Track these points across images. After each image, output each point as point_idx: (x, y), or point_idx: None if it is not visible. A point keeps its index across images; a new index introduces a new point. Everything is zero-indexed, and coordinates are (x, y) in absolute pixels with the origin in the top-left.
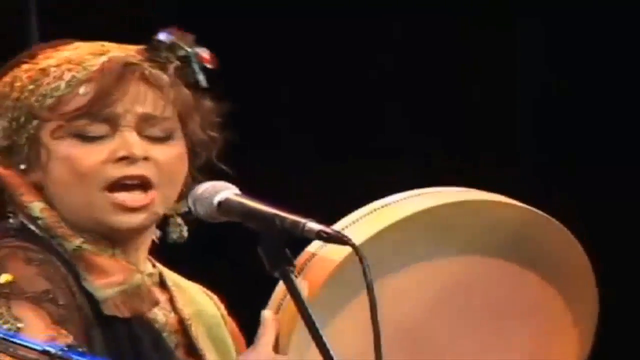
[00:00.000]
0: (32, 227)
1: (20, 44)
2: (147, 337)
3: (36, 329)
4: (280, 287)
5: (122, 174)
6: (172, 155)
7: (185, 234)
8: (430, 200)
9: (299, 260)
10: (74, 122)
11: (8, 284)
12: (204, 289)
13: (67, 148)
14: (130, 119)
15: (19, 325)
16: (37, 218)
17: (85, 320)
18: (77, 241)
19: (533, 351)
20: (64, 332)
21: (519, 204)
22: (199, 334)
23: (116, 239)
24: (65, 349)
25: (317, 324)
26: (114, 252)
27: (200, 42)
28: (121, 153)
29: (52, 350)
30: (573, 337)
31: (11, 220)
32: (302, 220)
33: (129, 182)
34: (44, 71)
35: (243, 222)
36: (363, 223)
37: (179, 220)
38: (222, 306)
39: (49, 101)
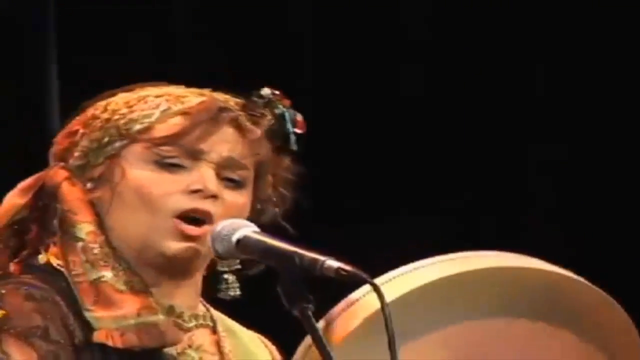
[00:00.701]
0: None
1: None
2: None
3: None
4: (299, 352)
5: (191, 206)
6: (238, 203)
7: (239, 292)
8: (455, 267)
9: (339, 306)
10: (157, 149)
11: (1, 318)
12: (262, 338)
13: (143, 172)
14: (213, 158)
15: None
16: (78, 239)
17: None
18: (102, 272)
19: None
20: None
21: (548, 267)
22: None
23: (160, 268)
24: None
25: None
26: (145, 288)
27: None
28: (196, 186)
29: None
30: None
31: (40, 256)
32: (322, 257)
33: (197, 216)
34: (142, 99)
35: (261, 260)
36: (387, 287)
37: (231, 277)
38: (278, 356)
39: (138, 126)
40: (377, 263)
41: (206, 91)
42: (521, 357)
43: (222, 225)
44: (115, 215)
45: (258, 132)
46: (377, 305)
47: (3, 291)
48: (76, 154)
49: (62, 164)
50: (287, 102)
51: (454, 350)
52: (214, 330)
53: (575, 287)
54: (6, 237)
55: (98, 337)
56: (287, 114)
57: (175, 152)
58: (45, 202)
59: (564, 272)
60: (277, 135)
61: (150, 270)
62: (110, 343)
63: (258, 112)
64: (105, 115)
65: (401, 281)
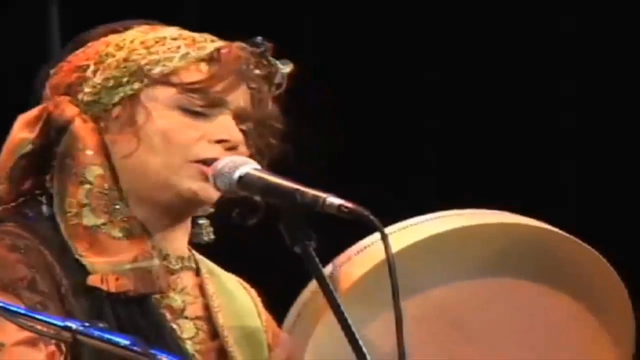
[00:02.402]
0: (44, 205)
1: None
2: (145, 321)
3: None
4: (294, 307)
5: (214, 154)
6: (244, 153)
7: (212, 236)
8: (459, 221)
9: (344, 254)
10: (187, 94)
11: None
12: (242, 282)
13: (170, 117)
14: (233, 108)
15: None
16: (86, 181)
17: (68, 304)
18: (101, 219)
19: None
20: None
21: (549, 227)
22: (226, 323)
23: (174, 213)
24: (87, 324)
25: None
26: (142, 232)
27: None
28: (222, 135)
29: (74, 326)
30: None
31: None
32: (323, 194)
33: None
34: (159, 40)
35: (263, 197)
36: (390, 239)
37: (205, 222)
38: (258, 300)
39: (160, 69)
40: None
41: (211, 36)
42: (514, 316)
43: (223, 163)
44: (134, 156)
45: (262, 82)
46: (380, 255)
47: None
48: (87, 89)
49: (68, 97)
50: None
51: (454, 308)
52: (197, 273)
53: (569, 247)
54: (16, 173)
55: (92, 281)
56: (279, 64)
57: (203, 100)
58: (53, 136)
59: (559, 231)
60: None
61: (156, 214)
62: (104, 287)
63: (261, 61)
64: (122, 54)
65: (407, 232)
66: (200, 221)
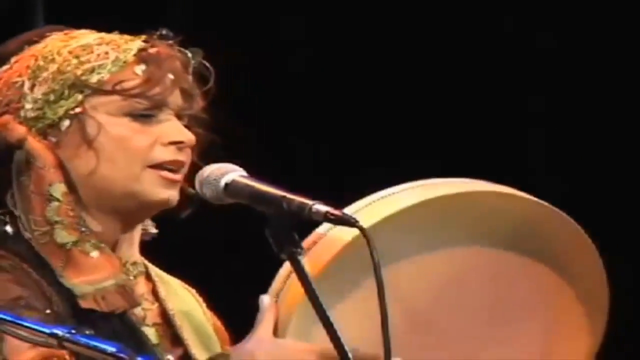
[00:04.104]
0: (8, 225)
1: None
2: (127, 332)
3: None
4: (280, 274)
5: (171, 157)
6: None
7: (154, 230)
8: (430, 192)
9: (308, 240)
10: (131, 100)
11: None
12: (183, 284)
13: (120, 125)
14: (174, 108)
15: None
16: (54, 199)
17: (62, 321)
18: (73, 237)
19: (542, 344)
20: None
21: (523, 195)
22: (183, 324)
23: (134, 219)
24: (73, 332)
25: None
26: (109, 248)
27: None
28: (176, 137)
29: (60, 333)
30: (584, 330)
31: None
32: (310, 202)
33: (173, 167)
34: (85, 48)
35: (250, 204)
36: (362, 214)
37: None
38: (201, 300)
39: (97, 77)
40: None
41: (125, 35)
42: (494, 287)
43: (209, 170)
44: (97, 172)
45: (189, 77)
46: (345, 236)
47: None
48: (27, 105)
49: (10, 116)
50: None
51: (428, 279)
52: (149, 277)
53: (552, 219)
54: None
55: (86, 304)
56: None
57: (147, 103)
58: (3, 155)
59: (543, 202)
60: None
61: (115, 223)
62: (98, 308)
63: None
64: (55, 66)
65: (378, 206)
66: None
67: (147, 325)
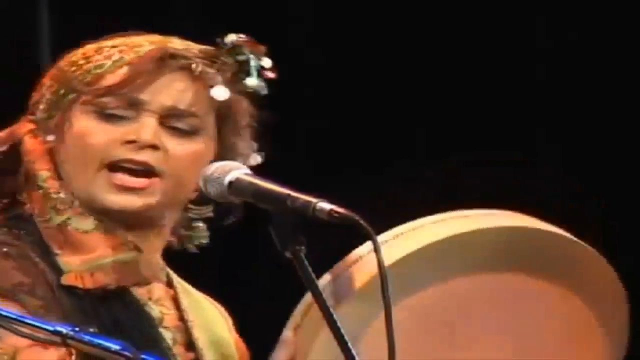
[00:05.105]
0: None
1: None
2: (127, 313)
3: None
4: (299, 307)
5: (125, 156)
6: (188, 151)
7: (206, 240)
8: (444, 229)
9: (348, 259)
10: (100, 99)
11: None
12: (211, 300)
13: (85, 122)
14: (156, 108)
15: None
16: (39, 186)
17: (63, 309)
18: (65, 215)
19: None
20: None
21: (539, 225)
22: (200, 336)
23: (114, 220)
24: (77, 329)
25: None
26: (114, 228)
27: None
28: (130, 137)
29: (64, 331)
30: (603, 352)
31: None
32: (314, 200)
33: (132, 166)
34: (98, 50)
35: (254, 202)
36: (387, 247)
37: (202, 225)
38: (228, 318)
39: (89, 77)
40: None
41: (165, 38)
42: (512, 312)
43: (213, 168)
44: (64, 166)
45: (217, 78)
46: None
47: None
48: (41, 106)
49: (30, 117)
50: (258, 48)
51: (442, 308)
52: (170, 285)
53: (564, 243)
54: None
55: (67, 280)
56: (251, 60)
57: (116, 102)
58: (16, 154)
59: (556, 229)
60: (241, 81)
61: (106, 221)
62: (80, 285)
63: (219, 59)
64: (66, 68)
65: (402, 241)
66: (196, 223)
67: (165, 327)
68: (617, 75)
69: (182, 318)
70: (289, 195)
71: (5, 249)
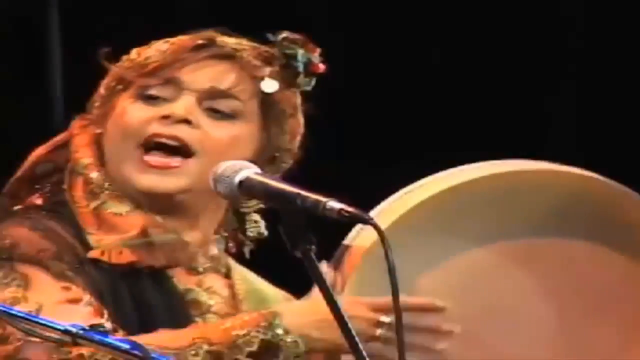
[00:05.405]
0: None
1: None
2: (155, 293)
3: (46, 283)
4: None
5: (156, 130)
6: (227, 134)
7: (264, 230)
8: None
9: (337, 254)
10: (139, 80)
11: (8, 248)
12: (284, 293)
13: (127, 105)
14: (195, 87)
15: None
16: (79, 173)
17: (91, 280)
18: (101, 199)
19: (618, 344)
20: (74, 285)
21: (594, 175)
22: None
23: (148, 204)
24: (87, 328)
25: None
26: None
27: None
28: (165, 112)
29: (74, 330)
30: None
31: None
32: (323, 199)
33: (163, 140)
34: (151, 45)
35: (264, 202)
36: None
37: (256, 216)
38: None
39: (138, 67)
40: None
41: (216, 33)
42: (561, 278)
43: (223, 167)
44: (106, 152)
45: (264, 69)
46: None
47: (7, 225)
48: (96, 103)
49: (85, 115)
50: (311, 46)
51: (490, 270)
52: (227, 277)
53: (622, 197)
54: (28, 178)
55: (93, 254)
56: (299, 55)
57: (155, 81)
58: (67, 151)
59: (612, 182)
60: (290, 76)
61: (142, 205)
62: (105, 259)
63: (267, 52)
64: (120, 64)
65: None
66: (249, 216)
67: (214, 314)
68: (617, 75)
69: (236, 307)
70: (298, 194)
71: (32, 223)
